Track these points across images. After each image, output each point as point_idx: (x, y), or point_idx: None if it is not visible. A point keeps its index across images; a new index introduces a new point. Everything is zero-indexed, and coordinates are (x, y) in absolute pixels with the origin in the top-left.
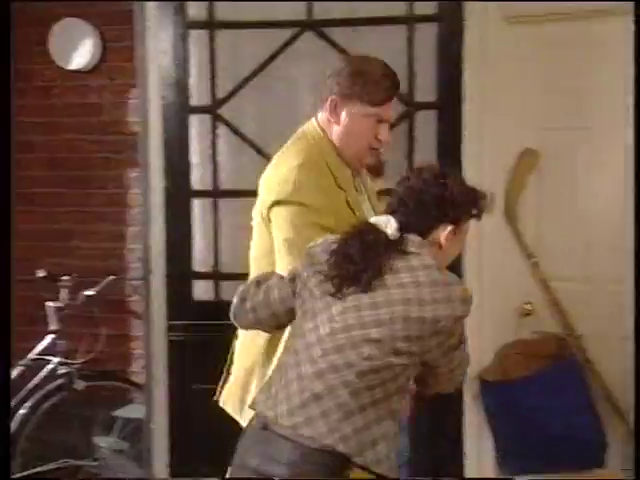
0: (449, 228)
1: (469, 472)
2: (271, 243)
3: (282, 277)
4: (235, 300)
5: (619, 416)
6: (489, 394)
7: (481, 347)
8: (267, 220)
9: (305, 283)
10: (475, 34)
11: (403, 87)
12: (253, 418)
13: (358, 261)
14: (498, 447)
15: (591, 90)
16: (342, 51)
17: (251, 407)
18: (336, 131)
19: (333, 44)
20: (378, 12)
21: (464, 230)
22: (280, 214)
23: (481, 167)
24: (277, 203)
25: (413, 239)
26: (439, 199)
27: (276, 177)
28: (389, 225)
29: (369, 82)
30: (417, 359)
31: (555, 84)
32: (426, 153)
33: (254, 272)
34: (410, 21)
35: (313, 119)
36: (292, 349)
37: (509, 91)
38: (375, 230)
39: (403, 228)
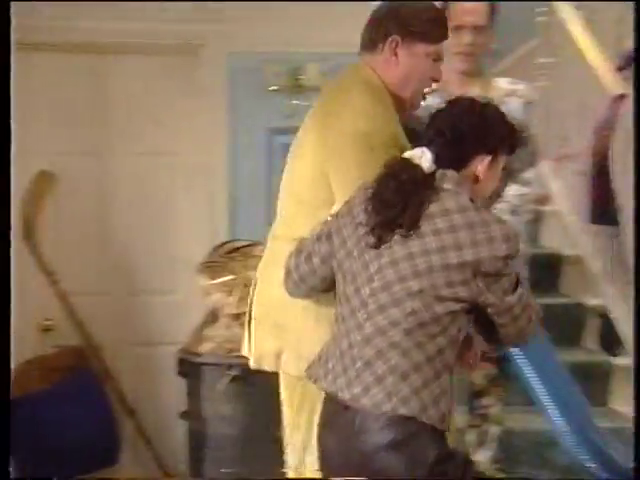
0: (487, 159)
1: None
2: (325, 198)
3: (318, 238)
4: (284, 275)
5: (132, 417)
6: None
7: None
8: (323, 172)
9: (344, 241)
10: None
11: None
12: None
13: (395, 203)
14: (17, 461)
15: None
16: None
17: (314, 384)
18: (394, 72)
19: None
20: None
21: (500, 163)
22: (353, 150)
23: None
24: (348, 136)
25: (449, 175)
26: (478, 128)
27: (345, 109)
28: (424, 157)
29: (430, 20)
30: (467, 305)
31: (72, 113)
32: None
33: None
34: None
35: (359, 62)
36: (340, 317)
37: (27, 116)
38: (410, 166)
39: (438, 161)
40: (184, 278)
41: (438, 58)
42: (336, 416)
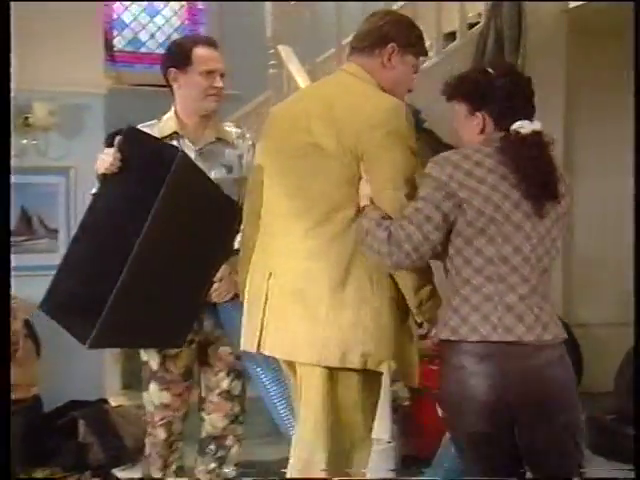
0: None
1: None
2: (347, 176)
3: (418, 209)
4: (388, 248)
5: None
6: None
7: None
8: (352, 151)
9: (479, 210)
10: None
11: None
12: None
13: (550, 172)
14: None
15: None
16: None
17: (479, 340)
18: (388, 75)
19: None
20: None
21: None
22: (392, 143)
23: None
24: (387, 133)
25: None
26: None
27: (373, 106)
28: (536, 127)
29: (420, 36)
30: None
31: None
32: None
33: (309, 220)
34: None
35: (351, 64)
36: (495, 276)
37: None
38: (540, 136)
39: None
40: None
41: (416, 71)
42: (515, 360)
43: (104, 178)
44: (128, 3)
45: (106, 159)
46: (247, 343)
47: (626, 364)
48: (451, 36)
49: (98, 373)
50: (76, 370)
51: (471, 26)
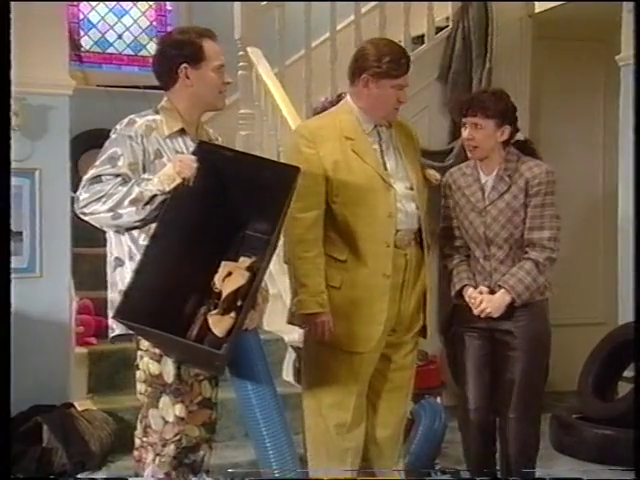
0: None
1: None
2: None
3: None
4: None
5: None
6: None
7: None
8: None
9: None
10: None
11: None
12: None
13: None
14: None
15: None
16: None
17: None
18: (366, 100)
19: None
20: None
21: None
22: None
23: None
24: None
25: None
26: None
27: None
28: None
29: (392, 61)
30: None
31: None
32: None
33: None
34: None
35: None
36: None
37: None
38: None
39: None
40: None
41: (403, 86)
42: None
43: (179, 185)
44: (95, 3)
45: (192, 165)
46: None
47: (590, 364)
48: (419, 39)
49: (63, 377)
50: (40, 374)
51: (439, 30)
